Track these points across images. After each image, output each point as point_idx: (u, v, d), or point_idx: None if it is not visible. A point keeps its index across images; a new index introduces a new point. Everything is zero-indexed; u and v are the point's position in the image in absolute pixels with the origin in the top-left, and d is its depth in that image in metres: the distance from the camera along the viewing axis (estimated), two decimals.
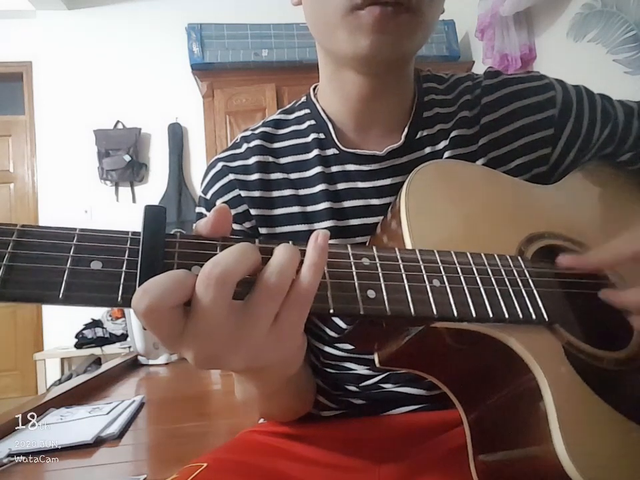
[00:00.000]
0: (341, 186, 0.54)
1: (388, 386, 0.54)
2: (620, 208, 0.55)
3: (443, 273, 0.35)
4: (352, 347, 0.55)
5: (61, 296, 0.26)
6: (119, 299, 0.27)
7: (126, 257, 0.28)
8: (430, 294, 0.33)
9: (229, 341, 0.29)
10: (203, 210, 0.57)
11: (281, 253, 0.29)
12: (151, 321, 0.27)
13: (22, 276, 0.26)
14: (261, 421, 0.62)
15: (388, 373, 0.54)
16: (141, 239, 0.28)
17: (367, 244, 0.50)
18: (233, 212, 0.54)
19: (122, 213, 3.19)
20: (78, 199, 3.22)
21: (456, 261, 0.37)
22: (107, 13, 3.41)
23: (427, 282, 0.34)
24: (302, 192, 0.55)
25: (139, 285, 0.27)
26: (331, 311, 0.30)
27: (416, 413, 0.54)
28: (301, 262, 0.30)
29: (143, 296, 0.26)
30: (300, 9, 0.53)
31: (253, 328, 0.29)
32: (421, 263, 0.35)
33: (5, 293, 0.25)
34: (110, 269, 0.27)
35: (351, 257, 0.33)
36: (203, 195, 0.58)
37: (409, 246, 0.39)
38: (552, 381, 0.34)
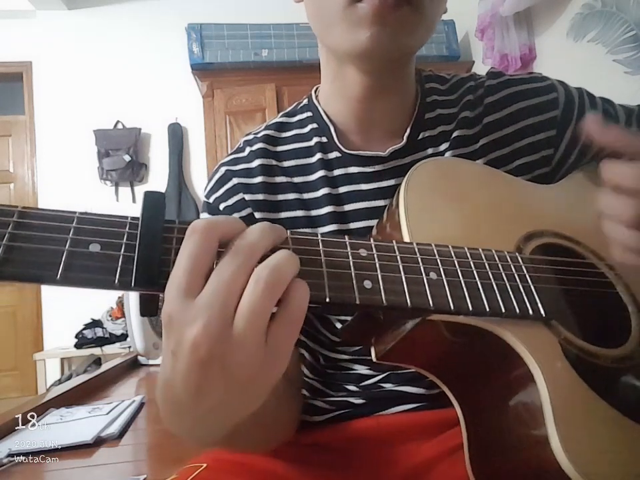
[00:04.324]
0: (343, 189, 0.54)
1: (388, 385, 0.54)
2: None
3: (440, 266, 0.35)
4: (353, 350, 0.54)
5: (58, 276, 0.26)
6: (116, 281, 0.27)
7: (124, 240, 0.28)
8: (426, 286, 0.33)
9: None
10: (206, 214, 0.57)
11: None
12: (196, 248, 0.27)
13: (21, 256, 0.26)
14: None
15: (388, 373, 0.54)
16: (140, 223, 0.28)
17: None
18: (237, 216, 0.53)
19: (122, 213, 3.14)
20: (78, 199, 3.21)
21: (453, 255, 0.37)
22: (107, 13, 3.41)
23: (423, 274, 0.34)
24: (306, 196, 0.54)
25: (137, 269, 0.27)
26: (327, 299, 0.30)
27: (415, 412, 0.54)
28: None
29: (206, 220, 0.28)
30: (301, 8, 0.53)
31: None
32: (418, 255, 0.35)
33: (4, 271, 0.25)
34: (108, 252, 0.28)
35: (348, 248, 0.33)
36: (206, 200, 0.57)
37: (407, 241, 0.39)
38: (548, 376, 0.34)
